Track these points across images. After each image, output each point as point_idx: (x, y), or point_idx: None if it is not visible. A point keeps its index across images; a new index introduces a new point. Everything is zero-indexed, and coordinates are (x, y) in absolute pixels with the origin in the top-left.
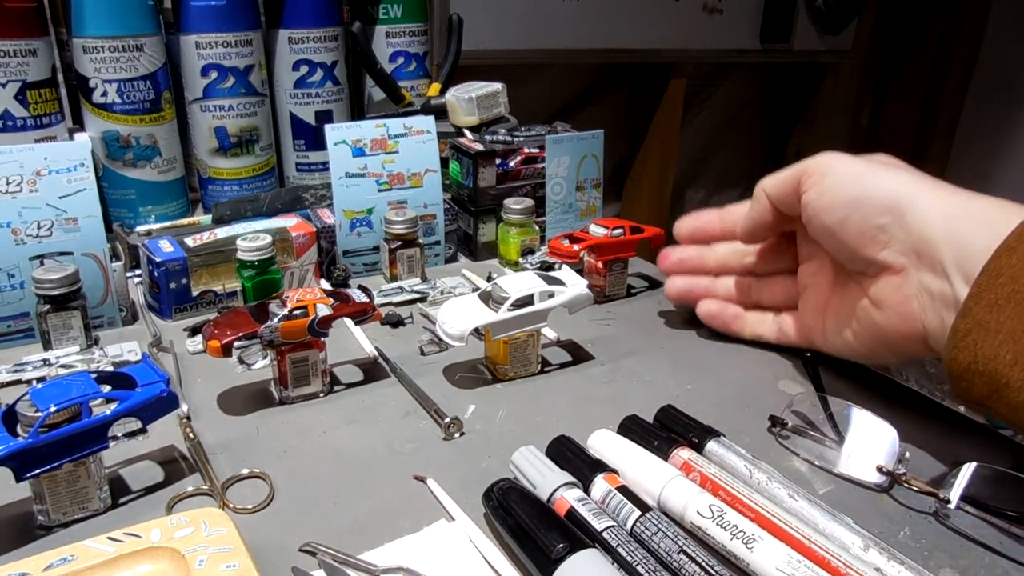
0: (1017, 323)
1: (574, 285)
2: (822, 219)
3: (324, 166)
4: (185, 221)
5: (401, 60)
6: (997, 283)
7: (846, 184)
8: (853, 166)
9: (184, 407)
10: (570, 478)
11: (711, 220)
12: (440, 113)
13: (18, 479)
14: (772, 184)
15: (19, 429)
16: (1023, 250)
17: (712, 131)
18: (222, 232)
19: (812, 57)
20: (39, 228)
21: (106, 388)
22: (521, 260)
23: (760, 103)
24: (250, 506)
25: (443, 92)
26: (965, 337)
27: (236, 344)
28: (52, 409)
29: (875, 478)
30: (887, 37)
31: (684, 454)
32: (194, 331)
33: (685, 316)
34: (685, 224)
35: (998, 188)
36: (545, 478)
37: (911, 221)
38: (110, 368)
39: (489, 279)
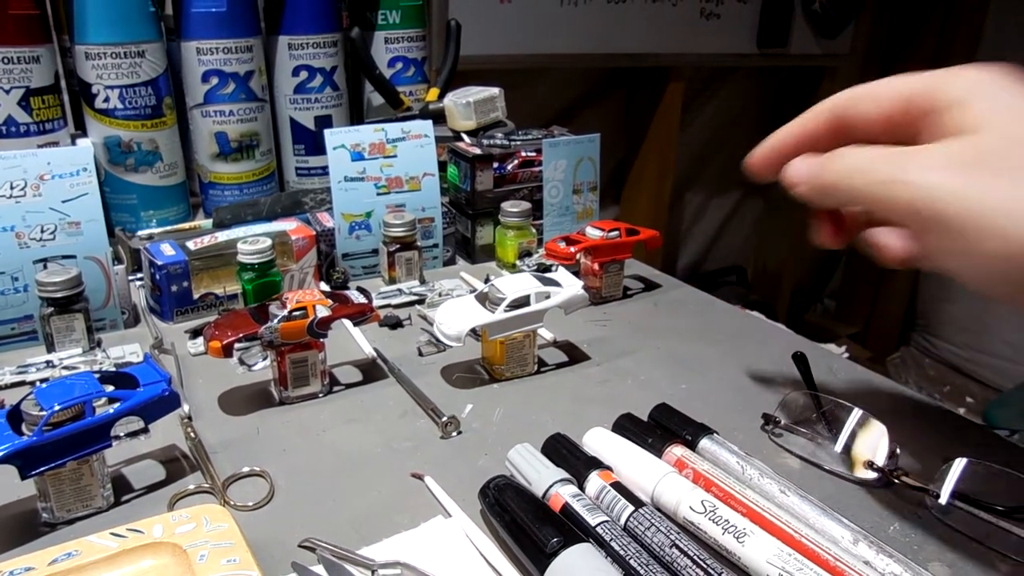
0: None
1: (570, 286)
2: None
3: (323, 170)
4: (186, 225)
5: (400, 65)
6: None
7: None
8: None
9: (185, 407)
10: (565, 475)
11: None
12: (438, 118)
13: (23, 476)
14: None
15: (24, 428)
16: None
17: (710, 135)
18: (223, 236)
19: (809, 61)
20: (42, 232)
21: (109, 387)
22: (518, 262)
23: (758, 107)
24: (250, 503)
25: (441, 97)
26: None
27: (237, 345)
28: (56, 408)
29: (866, 474)
30: (884, 40)
31: (678, 451)
32: (195, 333)
33: (681, 317)
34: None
35: None
36: (540, 475)
37: None
38: (113, 369)
39: (486, 281)
